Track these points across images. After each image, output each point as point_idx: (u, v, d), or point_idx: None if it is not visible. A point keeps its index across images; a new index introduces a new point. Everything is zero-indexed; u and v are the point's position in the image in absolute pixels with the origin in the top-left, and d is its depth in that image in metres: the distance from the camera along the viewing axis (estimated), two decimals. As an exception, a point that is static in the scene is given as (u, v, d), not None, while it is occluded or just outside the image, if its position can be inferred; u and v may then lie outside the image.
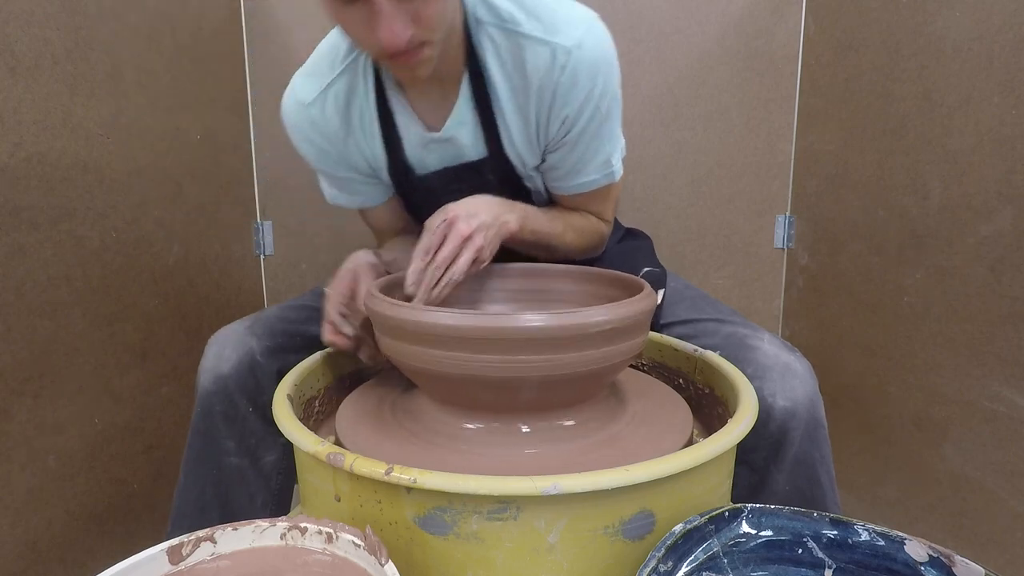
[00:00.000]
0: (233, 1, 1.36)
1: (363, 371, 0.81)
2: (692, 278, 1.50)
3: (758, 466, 0.70)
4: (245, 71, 1.41)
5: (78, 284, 0.93)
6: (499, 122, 0.78)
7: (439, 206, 0.71)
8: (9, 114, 0.81)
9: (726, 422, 0.56)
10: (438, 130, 0.79)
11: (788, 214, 1.45)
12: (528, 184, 0.85)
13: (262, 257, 1.50)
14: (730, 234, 1.48)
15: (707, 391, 0.73)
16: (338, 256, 1.59)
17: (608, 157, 0.80)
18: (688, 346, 0.76)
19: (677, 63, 1.40)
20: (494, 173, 0.82)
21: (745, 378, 0.65)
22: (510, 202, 0.76)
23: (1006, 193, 0.88)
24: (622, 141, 0.85)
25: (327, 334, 0.71)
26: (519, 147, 0.79)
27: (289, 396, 0.62)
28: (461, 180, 0.82)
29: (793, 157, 1.43)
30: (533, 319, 0.53)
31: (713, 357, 0.72)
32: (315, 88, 0.81)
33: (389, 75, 0.79)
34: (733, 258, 1.49)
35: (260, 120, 1.44)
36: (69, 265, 0.91)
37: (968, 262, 0.95)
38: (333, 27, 0.85)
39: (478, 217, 0.68)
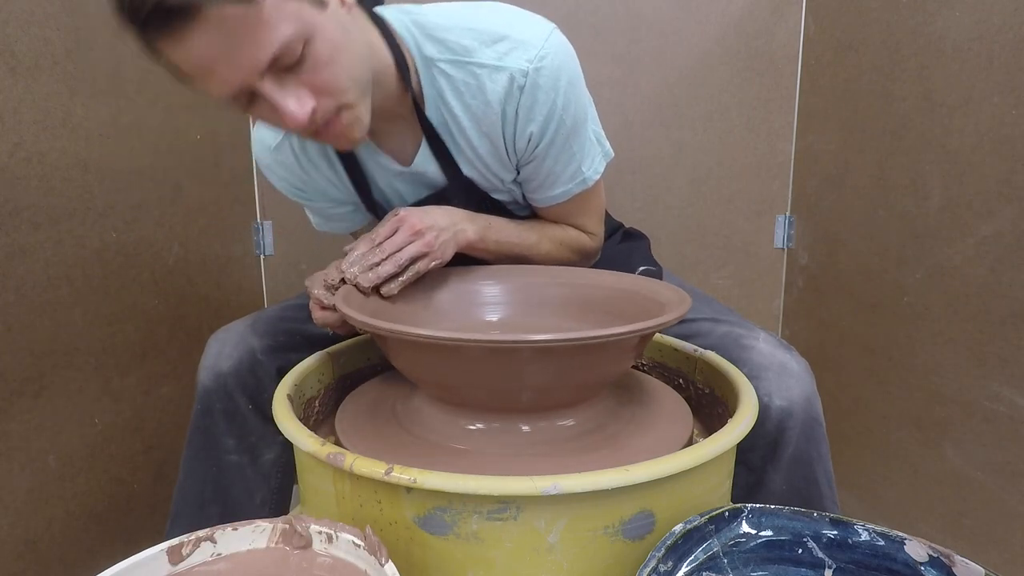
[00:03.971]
0: (233, 1, 1.36)
1: (363, 371, 0.81)
2: (692, 278, 1.50)
3: (755, 466, 0.70)
4: (245, 71, 1.41)
5: (78, 284, 0.93)
6: (461, 151, 0.77)
7: None
8: (9, 114, 0.81)
9: (726, 422, 0.56)
10: (408, 165, 0.80)
11: (788, 214, 1.45)
12: (500, 197, 0.84)
13: (262, 257, 1.50)
14: (730, 234, 1.48)
15: (707, 391, 0.73)
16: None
17: (579, 166, 0.79)
18: (688, 346, 0.76)
19: (677, 63, 1.40)
20: (457, 198, 0.80)
21: (745, 378, 0.65)
22: (473, 213, 0.77)
23: (1006, 193, 0.88)
24: (602, 146, 0.84)
25: (316, 311, 0.69)
26: (491, 167, 0.79)
27: (289, 396, 0.62)
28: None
29: (793, 157, 1.43)
30: (541, 337, 0.51)
31: (713, 357, 0.72)
32: (275, 135, 0.81)
33: None
34: (733, 258, 1.49)
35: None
36: (69, 265, 0.91)
37: (968, 262, 0.95)
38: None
39: (432, 218, 0.70)
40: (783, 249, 1.47)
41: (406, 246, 0.67)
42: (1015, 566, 0.90)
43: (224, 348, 0.77)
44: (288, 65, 0.58)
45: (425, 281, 0.77)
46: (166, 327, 1.13)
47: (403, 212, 0.69)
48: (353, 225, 0.93)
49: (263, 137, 0.83)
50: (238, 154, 1.39)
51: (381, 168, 0.80)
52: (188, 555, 0.47)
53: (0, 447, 0.81)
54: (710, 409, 0.72)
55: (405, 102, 0.74)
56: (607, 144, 0.85)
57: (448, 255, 0.73)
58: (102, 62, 0.96)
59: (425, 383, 0.63)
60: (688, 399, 0.73)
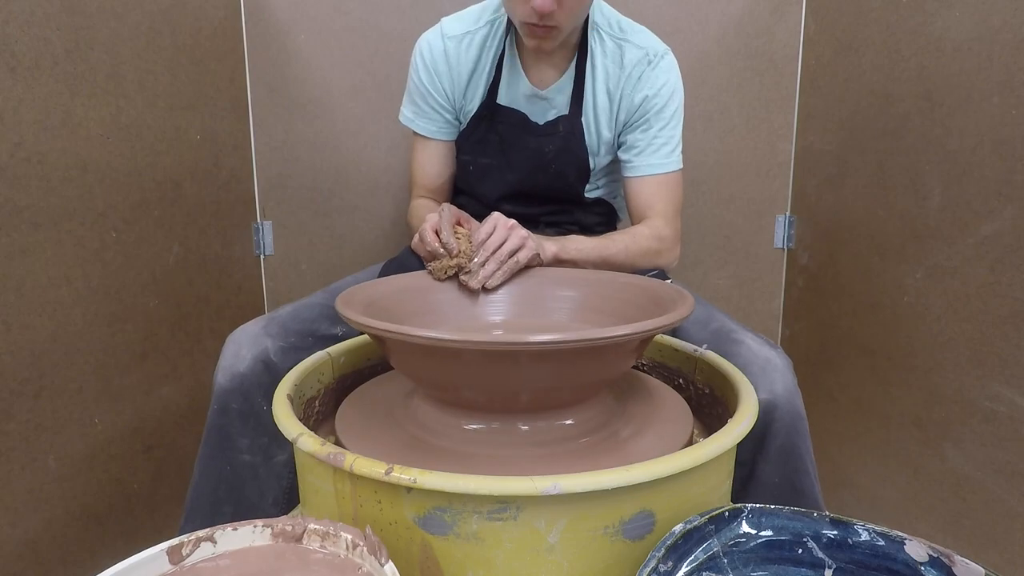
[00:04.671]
0: (233, 1, 1.36)
1: (363, 371, 0.81)
2: (692, 278, 1.50)
3: (745, 460, 0.72)
4: (245, 71, 1.41)
5: (78, 284, 0.93)
6: (588, 97, 0.99)
7: (498, 144, 1.02)
8: (9, 114, 0.81)
9: (726, 422, 0.56)
10: (541, 89, 1.00)
11: (788, 214, 1.45)
12: (591, 160, 1.02)
13: (262, 257, 1.50)
14: (730, 234, 1.48)
15: (707, 391, 0.73)
16: (338, 256, 1.60)
17: (674, 149, 1.00)
18: (688, 346, 0.76)
19: (677, 63, 1.40)
20: (563, 138, 1.00)
21: (745, 378, 0.65)
22: (546, 236, 0.89)
23: (1006, 193, 0.88)
24: (680, 153, 1.02)
25: (429, 235, 0.78)
26: (600, 119, 1.00)
27: (289, 396, 0.62)
28: (530, 129, 1.02)
29: (793, 157, 1.43)
30: (539, 338, 0.51)
31: (713, 357, 0.72)
32: (460, 29, 1.01)
33: (513, 43, 1.00)
34: (733, 258, 1.49)
35: (260, 120, 1.44)
36: (69, 265, 0.91)
37: (968, 262, 0.95)
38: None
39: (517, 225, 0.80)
40: (783, 249, 1.47)
41: (504, 242, 0.77)
42: (1015, 566, 0.90)
43: (240, 349, 0.78)
44: None
45: (430, 282, 0.78)
46: (166, 327, 1.13)
47: (497, 214, 0.79)
48: (434, 132, 1.06)
49: (448, 27, 1.02)
50: (238, 154, 1.39)
51: (517, 84, 1.01)
52: (188, 555, 0.47)
53: (0, 447, 0.81)
54: (710, 409, 0.72)
55: (570, 46, 0.98)
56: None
57: (545, 255, 0.83)
58: (102, 62, 0.96)
59: (424, 384, 0.63)
60: (688, 399, 0.73)
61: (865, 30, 1.16)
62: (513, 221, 0.79)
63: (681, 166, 1.01)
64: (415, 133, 1.08)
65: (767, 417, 0.69)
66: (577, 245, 0.88)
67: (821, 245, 1.34)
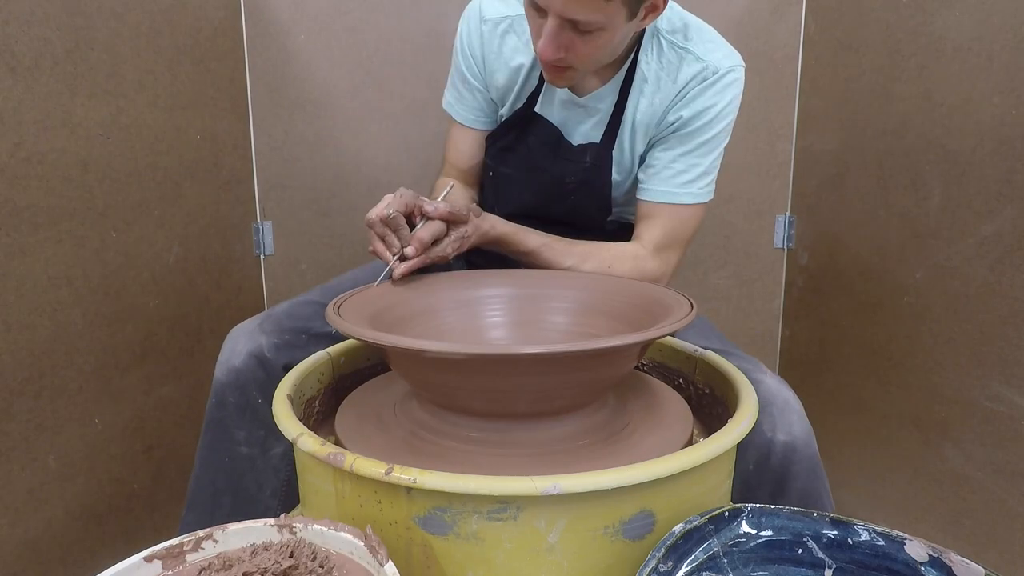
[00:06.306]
0: (233, 1, 1.36)
1: (363, 371, 0.81)
2: (692, 278, 1.50)
3: (764, 503, 0.70)
4: (245, 71, 1.41)
5: (78, 284, 0.93)
6: (628, 114, 0.90)
7: (525, 157, 0.94)
8: (9, 114, 0.81)
9: (726, 422, 0.56)
10: (579, 96, 0.91)
11: (788, 214, 1.45)
12: (623, 182, 0.95)
13: (262, 257, 1.50)
14: (730, 234, 1.48)
15: (707, 391, 0.73)
16: (338, 256, 1.60)
17: (692, 180, 0.88)
18: (688, 346, 0.76)
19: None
20: (587, 171, 0.92)
21: (745, 378, 0.65)
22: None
23: (1006, 193, 0.88)
24: (710, 185, 0.90)
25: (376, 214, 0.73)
26: (636, 134, 0.91)
27: (289, 396, 0.62)
28: (562, 149, 0.94)
29: (793, 157, 1.43)
30: (538, 349, 0.51)
31: (713, 357, 0.72)
32: (498, 12, 0.92)
33: None
34: (733, 258, 1.49)
35: (260, 120, 1.44)
36: (69, 265, 0.91)
37: (968, 262, 0.95)
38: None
39: None
40: (783, 249, 1.47)
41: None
42: (1015, 566, 0.90)
43: (237, 345, 0.81)
44: (576, 26, 0.74)
45: (427, 282, 0.77)
46: (166, 327, 1.13)
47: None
48: (473, 121, 1.00)
49: (486, 7, 0.93)
50: (238, 154, 1.39)
51: (554, 89, 0.91)
52: (188, 555, 0.47)
53: (0, 447, 0.81)
54: (710, 409, 0.72)
55: (618, 60, 0.87)
56: (713, 186, 0.91)
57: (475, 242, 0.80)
58: (102, 62, 0.96)
59: (424, 390, 0.63)
60: (688, 399, 0.73)
61: (865, 30, 1.16)
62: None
63: (700, 200, 0.89)
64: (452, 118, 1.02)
65: (786, 460, 0.69)
66: (525, 250, 0.84)
67: (821, 245, 1.34)
